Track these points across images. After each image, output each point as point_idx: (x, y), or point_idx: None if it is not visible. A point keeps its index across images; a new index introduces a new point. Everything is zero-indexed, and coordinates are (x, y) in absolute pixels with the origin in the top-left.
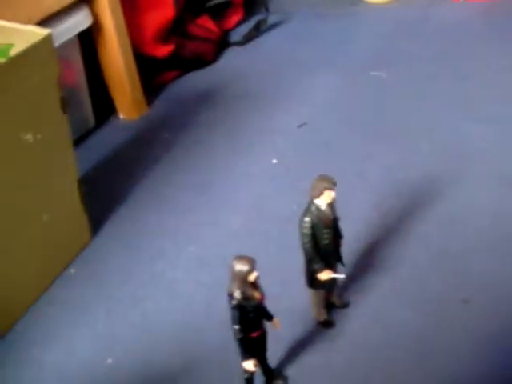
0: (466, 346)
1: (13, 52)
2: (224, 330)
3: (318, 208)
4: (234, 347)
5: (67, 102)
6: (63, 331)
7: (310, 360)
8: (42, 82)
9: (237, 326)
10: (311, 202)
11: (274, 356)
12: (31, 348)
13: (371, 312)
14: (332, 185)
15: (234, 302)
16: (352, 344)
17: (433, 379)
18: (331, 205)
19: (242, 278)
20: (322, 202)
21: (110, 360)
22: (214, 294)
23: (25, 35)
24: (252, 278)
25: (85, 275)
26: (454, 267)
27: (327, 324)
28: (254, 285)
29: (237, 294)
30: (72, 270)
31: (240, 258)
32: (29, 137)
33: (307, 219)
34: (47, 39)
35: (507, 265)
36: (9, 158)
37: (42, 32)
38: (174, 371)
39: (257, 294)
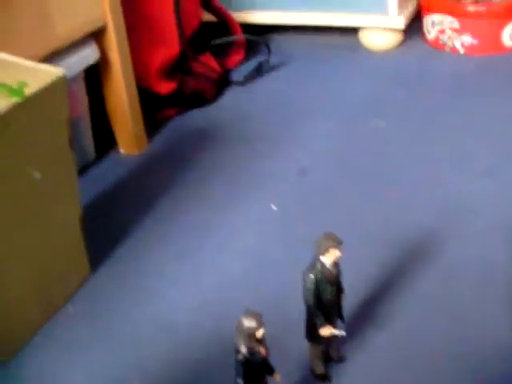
0: None
1: (27, 91)
2: (225, 376)
3: (322, 265)
4: None
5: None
6: (59, 371)
7: None
8: (53, 121)
9: (241, 381)
10: (316, 259)
11: None
12: None
13: (366, 369)
14: (337, 243)
15: (240, 358)
16: None
17: None
18: (336, 263)
19: (249, 335)
20: (327, 259)
21: None
22: (214, 340)
23: (38, 74)
24: (259, 334)
25: (83, 314)
26: (451, 326)
27: (324, 378)
28: (260, 340)
29: (243, 350)
30: (70, 309)
31: (248, 314)
32: (37, 174)
33: (311, 275)
34: (61, 79)
35: (500, 321)
36: (15, 194)
37: (56, 71)
38: None
39: (262, 350)
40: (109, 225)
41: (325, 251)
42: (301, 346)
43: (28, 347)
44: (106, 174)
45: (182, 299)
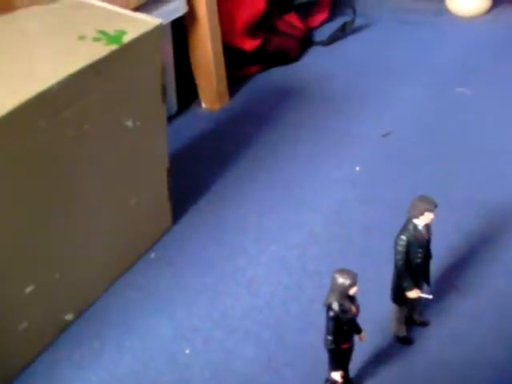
0: None
1: (125, 39)
2: (302, 333)
3: (415, 227)
4: (310, 351)
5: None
6: (141, 316)
7: (386, 375)
8: (148, 70)
9: (330, 337)
10: (409, 221)
11: (351, 365)
12: (109, 330)
13: (450, 334)
14: (433, 207)
15: (332, 314)
16: (429, 364)
17: None
18: (428, 225)
19: (343, 292)
20: (421, 222)
21: (187, 351)
22: (294, 296)
23: (136, 22)
24: (352, 292)
25: (164, 262)
26: None
27: (406, 341)
28: (352, 299)
29: (335, 306)
30: (152, 255)
31: (343, 271)
32: (129, 123)
33: (404, 237)
34: (158, 29)
35: None
36: (109, 142)
37: (153, 21)
38: (251, 370)
39: (353, 308)
40: (189, 178)
41: (419, 214)
42: (383, 308)
43: (110, 292)
44: (188, 127)
45: (262, 255)
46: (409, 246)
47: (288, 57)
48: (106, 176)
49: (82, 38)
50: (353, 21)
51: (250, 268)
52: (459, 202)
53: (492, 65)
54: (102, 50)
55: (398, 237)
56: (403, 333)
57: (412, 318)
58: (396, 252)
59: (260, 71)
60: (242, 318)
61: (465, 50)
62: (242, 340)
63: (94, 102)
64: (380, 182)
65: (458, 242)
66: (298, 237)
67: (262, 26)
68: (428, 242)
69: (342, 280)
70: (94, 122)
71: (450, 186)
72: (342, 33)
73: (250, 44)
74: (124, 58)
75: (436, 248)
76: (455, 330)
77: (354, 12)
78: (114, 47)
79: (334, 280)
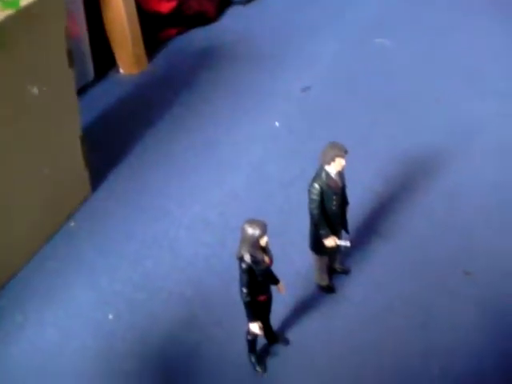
0: (466, 316)
1: (22, 3)
2: (225, 288)
3: (327, 175)
4: (235, 307)
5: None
6: (63, 285)
7: (311, 324)
8: (50, 35)
9: (245, 290)
10: (321, 169)
11: (275, 318)
12: (31, 302)
13: (372, 279)
14: (343, 152)
15: (244, 266)
16: (353, 310)
17: (434, 347)
18: (341, 172)
19: (253, 242)
20: (333, 169)
21: (111, 316)
22: (216, 253)
23: None
24: (263, 242)
25: (85, 230)
26: (456, 239)
27: (329, 289)
28: (264, 249)
29: (247, 258)
30: (72, 224)
31: (252, 222)
32: (34, 90)
33: (317, 185)
34: None
35: (508, 238)
36: (15, 110)
37: None
38: (176, 329)
39: (266, 258)
40: (110, 144)
41: (330, 160)
42: (305, 258)
43: (32, 263)
44: (107, 94)
45: (185, 216)
46: (322, 193)
47: (206, 17)
48: (16, 145)
49: None
50: None
51: (173, 230)
52: (380, 151)
53: (410, 15)
54: None
55: (311, 185)
56: (325, 281)
57: (333, 266)
58: (310, 201)
59: (179, 34)
60: (164, 279)
61: (383, 1)
62: (165, 301)
63: None
64: (300, 137)
65: (379, 189)
66: (220, 195)
67: None
68: (342, 189)
69: (251, 231)
70: None
71: (372, 135)
72: None
73: (165, 6)
74: (22, 22)
75: (358, 195)
76: (377, 275)
77: None
78: (9, 12)
79: (243, 231)
